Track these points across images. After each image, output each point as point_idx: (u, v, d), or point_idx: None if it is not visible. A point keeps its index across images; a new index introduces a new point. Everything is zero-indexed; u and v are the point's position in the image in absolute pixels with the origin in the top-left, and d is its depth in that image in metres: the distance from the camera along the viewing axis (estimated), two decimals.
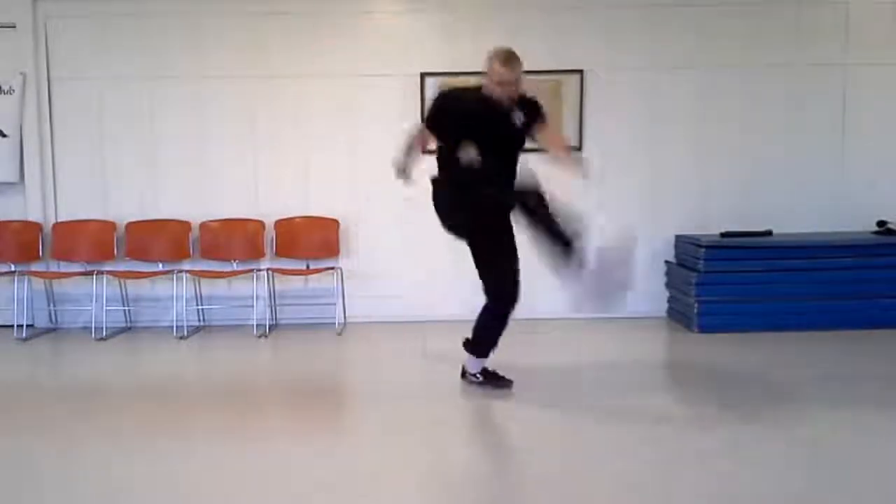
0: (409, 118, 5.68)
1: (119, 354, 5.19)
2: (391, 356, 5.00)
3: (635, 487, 2.85)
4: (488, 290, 3.91)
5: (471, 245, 3.92)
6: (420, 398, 4.00)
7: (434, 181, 3.93)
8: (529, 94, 3.90)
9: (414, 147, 4.01)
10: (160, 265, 5.73)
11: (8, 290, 5.63)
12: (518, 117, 3.82)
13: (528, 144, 3.97)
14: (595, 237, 3.97)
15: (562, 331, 5.49)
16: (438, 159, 3.93)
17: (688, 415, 3.75)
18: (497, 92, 3.74)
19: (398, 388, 4.20)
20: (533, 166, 3.93)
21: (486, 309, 3.97)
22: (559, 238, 3.72)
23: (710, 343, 5.06)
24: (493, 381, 4.07)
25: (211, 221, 5.80)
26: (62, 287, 5.81)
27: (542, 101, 3.96)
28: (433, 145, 3.97)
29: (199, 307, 5.83)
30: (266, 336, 5.51)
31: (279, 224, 5.81)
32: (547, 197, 3.80)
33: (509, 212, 3.85)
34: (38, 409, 3.95)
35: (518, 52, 3.76)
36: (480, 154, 3.72)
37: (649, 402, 3.91)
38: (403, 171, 4.04)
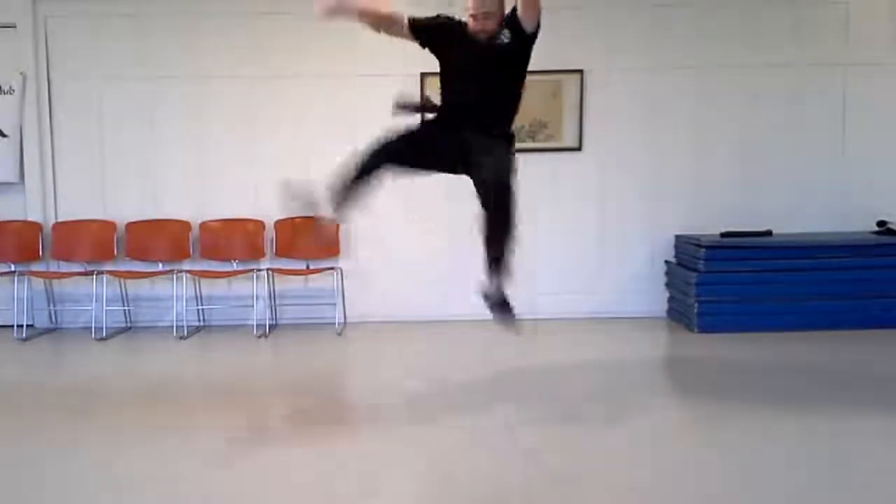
0: (409, 118, 5.71)
1: (119, 354, 5.19)
2: (391, 356, 5.00)
3: (635, 488, 2.85)
4: (498, 188, 3.56)
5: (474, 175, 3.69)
6: (420, 398, 4.00)
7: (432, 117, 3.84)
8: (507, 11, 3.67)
9: (372, 13, 3.78)
10: (160, 265, 5.73)
11: (8, 290, 5.63)
12: (504, 36, 3.61)
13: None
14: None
15: (561, 331, 5.49)
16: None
17: (688, 415, 3.75)
18: (472, 27, 3.61)
19: (398, 388, 4.19)
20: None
21: (497, 215, 3.57)
22: (492, 249, 3.56)
23: (710, 343, 5.06)
24: (504, 309, 3.75)
25: (211, 221, 5.80)
26: (62, 287, 5.81)
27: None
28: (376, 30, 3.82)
29: (199, 307, 5.83)
30: (266, 336, 5.51)
31: (279, 224, 5.81)
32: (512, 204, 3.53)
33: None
34: (38, 409, 3.95)
35: None
36: (457, 80, 3.65)
37: (649, 402, 3.90)
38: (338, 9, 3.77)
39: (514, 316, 3.75)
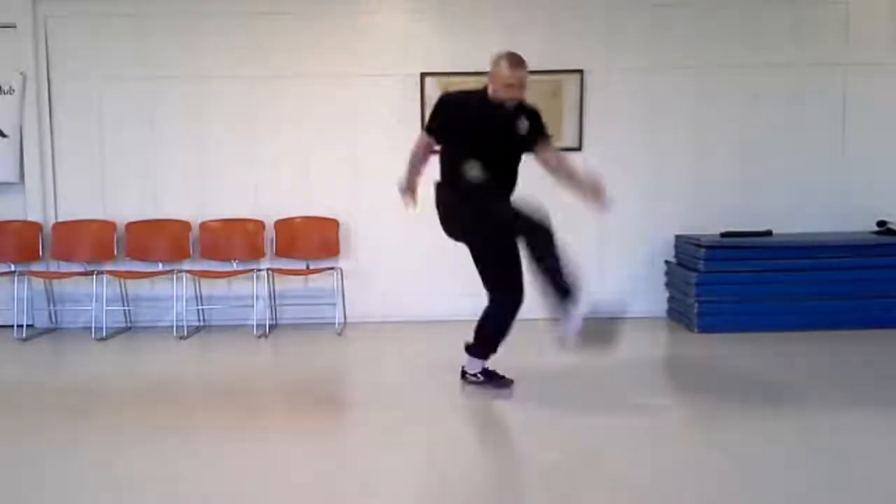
0: (410, 118, 5.71)
1: (119, 354, 5.19)
2: (391, 356, 5.00)
3: (635, 488, 2.85)
4: (496, 286, 3.90)
5: (472, 246, 3.92)
6: (420, 398, 4.00)
7: (437, 186, 3.93)
8: (530, 104, 3.89)
9: (419, 162, 3.96)
10: (160, 265, 5.73)
11: (8, 290, 5.63)
12: (522, 125, 3.82)
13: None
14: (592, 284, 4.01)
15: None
16: (441, 163, 3.93)
17: (687, 415, 3.75)
18: (502, 95, 3.75)
19: (398, 388, 4.19)
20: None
21: (492, 306, 3.94)
22: (559, 287, 3.69)
23: (710, 343, 5.06)
24: (494, 380, 4.06)
25: (211, 221, 5.80)
26: (62, 287, 5.81)
27: (541, 111, 3.94)
28: (437, 148, 3.96)
29: (199, 307, 5.83)
30: (266, 336, 5.51)
31: (279, 224, 5.81)
32: (556, 238, 3.77)
33: (508, 225, 3.84)
34: (38, 409, 3.95)
35: (521, 54, 3.78)
36: (481, 160, 3.75)
37: (649, 402, 3.90)
38: (409, 192, 4.01)
39: (507, 381, 4.06)
